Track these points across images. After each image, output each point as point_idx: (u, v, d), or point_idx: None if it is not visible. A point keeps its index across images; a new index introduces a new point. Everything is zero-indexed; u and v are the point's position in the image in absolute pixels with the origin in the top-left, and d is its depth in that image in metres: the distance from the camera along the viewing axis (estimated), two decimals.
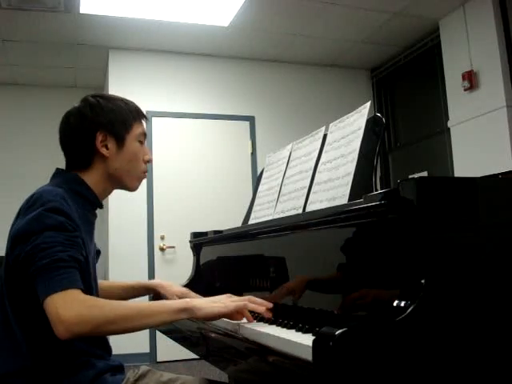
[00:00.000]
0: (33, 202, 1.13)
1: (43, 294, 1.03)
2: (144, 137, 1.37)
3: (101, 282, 1.44)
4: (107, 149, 1.28)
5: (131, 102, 1.37)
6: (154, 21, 4.39)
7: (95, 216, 1.33)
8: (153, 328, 1.20)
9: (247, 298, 1.19)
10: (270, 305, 1.20)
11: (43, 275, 1.04)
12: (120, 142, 1.30)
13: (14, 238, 1.11)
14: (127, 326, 1.07)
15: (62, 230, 1.09)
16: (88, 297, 1.07)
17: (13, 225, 1.17)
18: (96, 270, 1.33)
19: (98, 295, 1.30)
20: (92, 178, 1.29)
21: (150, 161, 1.38)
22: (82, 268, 1.12)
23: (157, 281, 1.59)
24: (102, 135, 1.28)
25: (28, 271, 1.07)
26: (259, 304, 1.18)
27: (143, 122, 1.37)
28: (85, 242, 1.18)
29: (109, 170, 1.30)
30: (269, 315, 1.17)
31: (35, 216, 1.10)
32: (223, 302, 1.15)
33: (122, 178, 1.32)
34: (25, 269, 1.08)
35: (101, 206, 1.33)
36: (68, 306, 1.01)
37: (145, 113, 1.40)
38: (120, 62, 4.92)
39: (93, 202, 1.30)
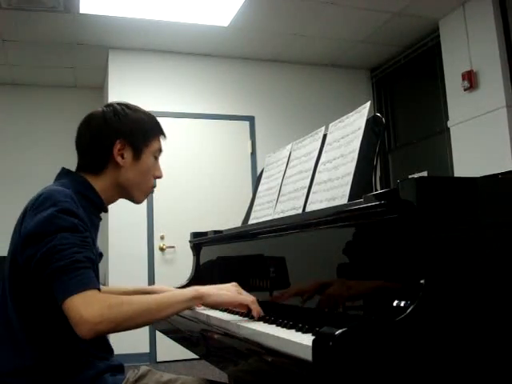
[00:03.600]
0: (42, 201, 1.13)
1: (63, 296, 1.04)
2: (159, 153, 1.39)
3: (108, 289, 1.47)
4: (123, 158, 1.29)
5: (155, 118, 1.40)
6: (154, 21, 4.39)
7: (100, 219, 1.34)
8: (167, 318, 1.25)
9: (254, 300, 1.21)
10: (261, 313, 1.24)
11: (61, 277, 1.05)
12: (137, 153, 1.31)
13: (26, 238, 1.11)
14: (145, 320, 1.10)
15: (75, 231, 1.10)
16: (106, 295, 1.10)
17: (19, 224, 1.17)
18: (98, 274, 1.34)
19: None
20: (101, 184, 1.29)
21: (160, 177, 1.40)
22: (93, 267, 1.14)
23: (158, 286, 1.60)
24: (120, 143, 1.28)
25: (43, 273, 1.07)
26: (256, 313, 1.23)
27: (163, 140, 1.40)
28: (93, 243, 1.21)
29: (119, 179, 1.30)
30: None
31: (47, 217, 1.09)
32: (230, 291, 1.21)
33: (130, 189, 1.33)
34: (40, 270, 1.08)
35: (106, 210, 1.34)
36: (89, 307, 1.02)
37: None
38: (120, 62, 4.92)
39: (98, 206, 1.30)
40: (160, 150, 1.39)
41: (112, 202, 1.36)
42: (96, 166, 1.29)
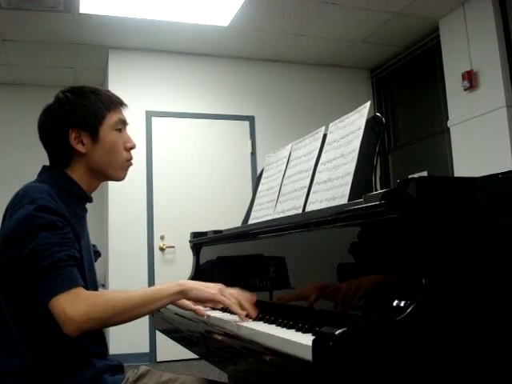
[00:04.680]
0: (19, 199, 1.13)
1: (47, 296, 1.05)
2: (123, 124, 1.32)
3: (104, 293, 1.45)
4: (83, 144, 1.26)
5: (104, 92, 1.32)
6: (154, 21, 4.39)
7: (85, 210, 1.32)
8: (153, 312, 1.23)
9: (235, 302, 1.20)
10: (244, 319, 1.22)
11: (44, 277, 1.05)
12: (94, 135, 1.26)
13: (6, 239, 1.11)
14: (131, 315, 1.11)
15: (54, 229, 1.10)
16: (91, 293, 1.11)
17: (2, 224, 1.17)
18: (94, 267, 1.33)
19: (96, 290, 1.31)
20: (76, 174, 1.27)
21: (132, 147, 1.34)
22: (77, 264, 1.12)
23: None
24: (74, 132, 1.25)
25: (27, 274, 1.07)
26: (246, 307, 1.21)
27: (120, 110, 1.32)
28: (77, 236, 1.19)
29: (89, 165, 1.28)
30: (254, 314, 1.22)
31: (26, 216, 1.09)
32: (214, 291, 1.20)
33: (104, 170, 1.30)
34: (23, 272, 1.08)
35: (90, 200, 1.32)
36: (74, 305, 1.04)
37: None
38: (120, 62, 4.92)
39: (80, 197, 1.29)
40: (122, 121, 1.32)
41: (94, 189, 1.34)
42: (63, 160, 1.27)
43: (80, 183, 1.28)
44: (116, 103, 1.32)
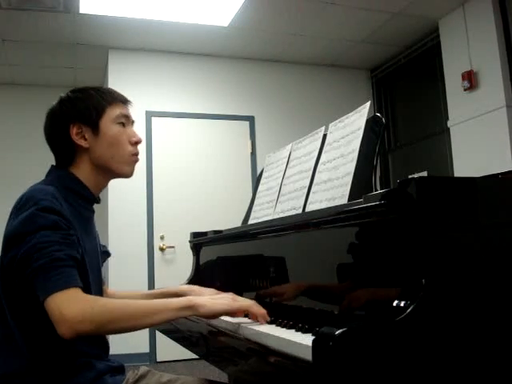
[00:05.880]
0: (24, 201, 1.12)
1: (43, 294, 1.02)
2: (126, 119, 1.31)
3: (125, 294, 1.43)
4: (85, 139, 1.25)
5: (106, 89, 1.33)
6: (154, 21, 4.39)
7: (92, 211, 1.31)
8: (156, 326, 1.19)
9: (252, 304, 1.19)
10: (267, 318, 1.19)
11: (41, 275, 1.03)
12: (95, 128, 1.26)
13: (8, 240, 1.10)
14: (130, 325, 1.07)
15: (56, 229, 1.08)
16: (89, 296, 1.08)
17: (7, 226, 1.16)
18: (100, 270, 1.31)
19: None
20: (82, 173, 1.27)
21: (138, 142, 1.32)
22: (78, 266, 1.10)
23: (185, 286, 1.54)
24: (75, 127, 1.25)
25: (25, 272, 1.05)
26: (260, 314, 1.19)
27: (122, 105, 1.32)
28: (80, 240, 1.17)
29: (93, 161, 1.27)
30: (263, 322, 1.19)
31: (28, 216, 1.08)
32: (227, 301, 1.16)
33: (107, 165, 1.28)
34: (21, 270, 1.06)
35: (97, 201, 1.31)
36: (70, 305, 1.00)
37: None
38: (120, 62, 4.92)
39: (87, 198, 1.27)
40: (125, 116, 1.31)
41: (102, 188, 1.33)
42: (68, 158, 1.27)
43: (87, 182, 1.27)
44: (118, 98, 1.32)
